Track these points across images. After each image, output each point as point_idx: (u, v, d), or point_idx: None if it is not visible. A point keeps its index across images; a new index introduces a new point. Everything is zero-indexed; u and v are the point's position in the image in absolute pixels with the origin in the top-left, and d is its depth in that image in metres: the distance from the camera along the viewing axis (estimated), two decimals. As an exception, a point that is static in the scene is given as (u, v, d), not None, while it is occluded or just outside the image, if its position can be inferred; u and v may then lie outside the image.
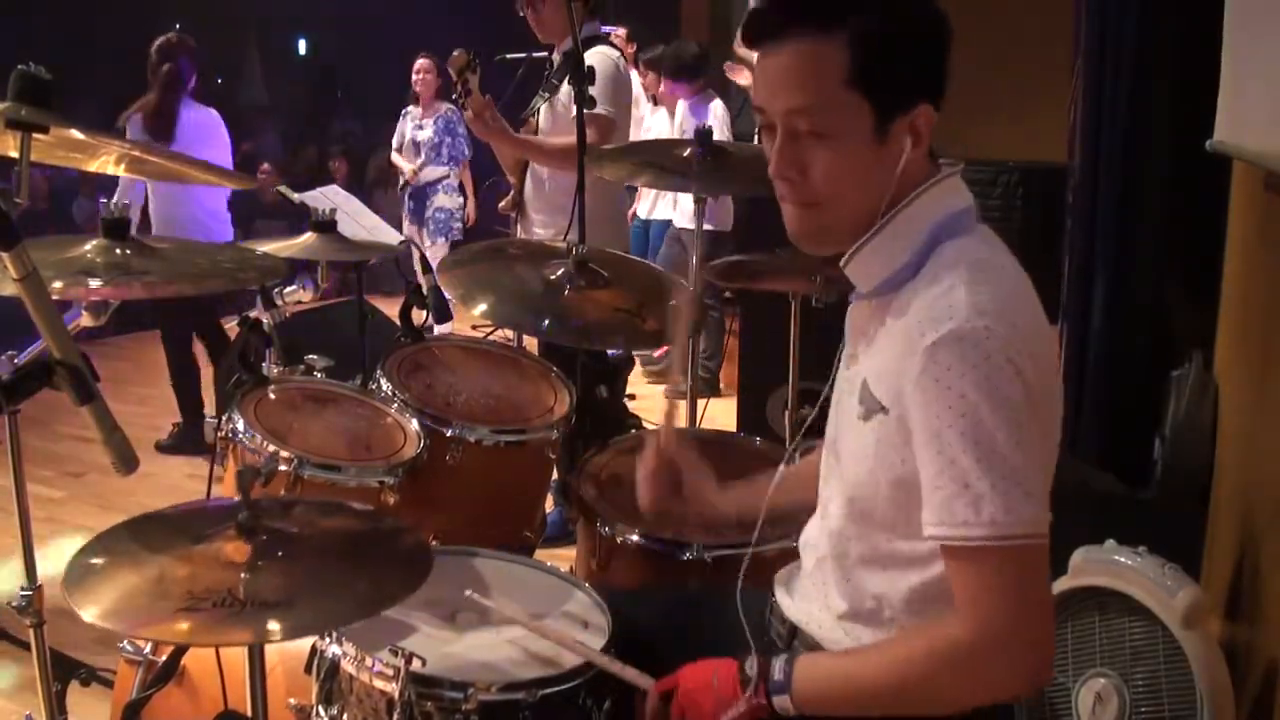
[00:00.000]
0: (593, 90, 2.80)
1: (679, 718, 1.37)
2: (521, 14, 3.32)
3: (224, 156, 4.64)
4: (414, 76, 6.33)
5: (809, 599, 1.45)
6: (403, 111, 6.50)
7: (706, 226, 5.10)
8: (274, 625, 1.28)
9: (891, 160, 1.28)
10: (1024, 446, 1.19)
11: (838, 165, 1.28)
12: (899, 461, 1.27)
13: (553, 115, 3.34)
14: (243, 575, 1.35)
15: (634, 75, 5.55)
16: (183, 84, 4.47)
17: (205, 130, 4.56)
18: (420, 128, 6.37)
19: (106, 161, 1.92)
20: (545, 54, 3.44)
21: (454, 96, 3.25)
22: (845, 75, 1.24)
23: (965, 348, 1.19)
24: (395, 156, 6.54)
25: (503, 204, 3.62)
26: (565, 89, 3.19)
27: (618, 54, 3.42)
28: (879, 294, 1.34)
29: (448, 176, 6.39)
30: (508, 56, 3.68)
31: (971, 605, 1.21)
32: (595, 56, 3.15)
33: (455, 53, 3.22)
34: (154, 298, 1.85)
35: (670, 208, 5.53)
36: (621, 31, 5.47)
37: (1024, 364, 1.19)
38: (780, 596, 1.51)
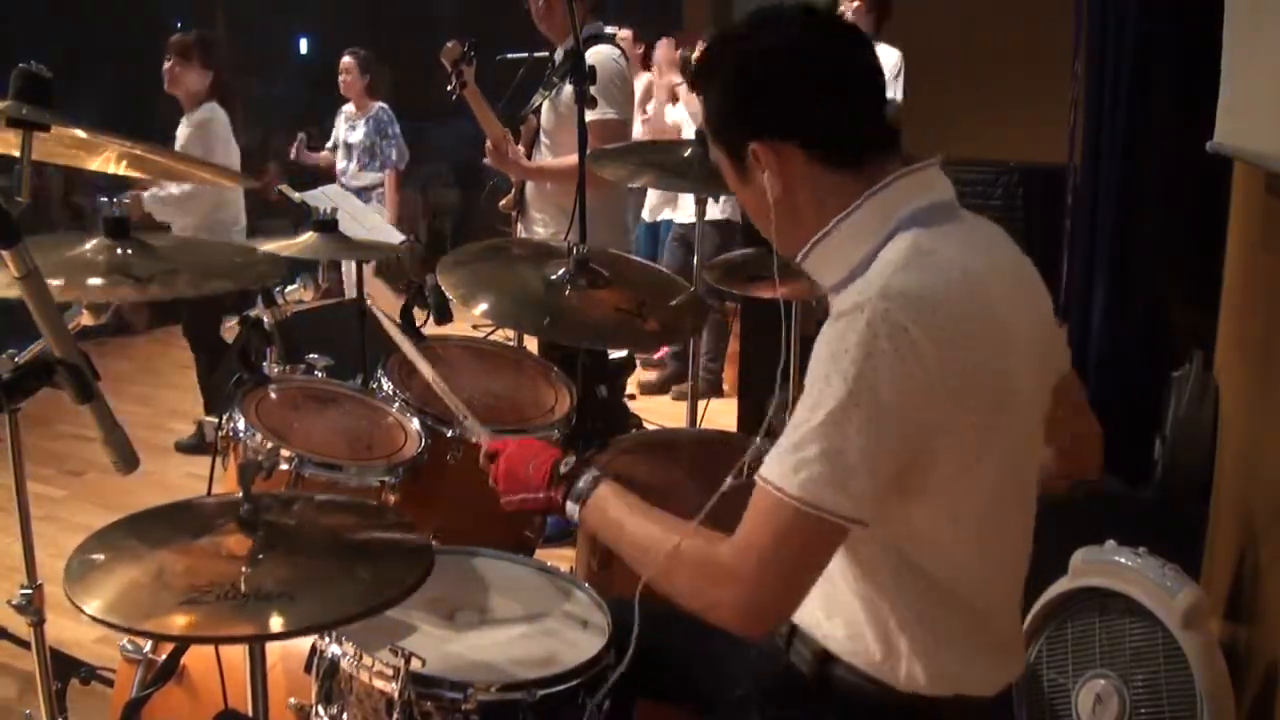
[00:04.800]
0: (594, 90, 2.79)
1: (493, 480, 1.55)
2: (526, 6, 3.31)
3: None
4: (340, 78, 5.84)
5: (808, 600, 1.44)
6: (340, 110, 6.01)
7: (719, 215, 5.11)
8: (276, 617, 1.28)
9: (760, 193, 1.36)
10: (869, 429, 1.19)
11: (737, 195, 1.44)
12: None
13: (555, 114, 3.34)
14: (244, 569, 1.35)
15: (643, 76, 5.53)
16: None
17: None
18: (352, 129, 5.87)
19: (107, 160, 1.92)
20: (546, 54, 3.44)
21: (448, 89, 3.23)
22: (709, 123, 1.42)
23: (856, 321, 1.20)
24: (328, 155, 6.01)
25: (504, 202, 3.62)
26: (567, 88, 3.18)
27: (619, 53, 3.42)
28: (840, 288, 1.34)
29: (380, 185, 5.85)
30: (508, 56, 3.67)
31: (742, 534, 1.27)
32: (596, 56, 3.15)
33: (449, 44, 3.20)
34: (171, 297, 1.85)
35: (675, 210, 5.48)
36: (627, 33, 5.43)
37: (917, 352, 1.19)
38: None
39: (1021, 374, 1.29)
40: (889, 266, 1.26)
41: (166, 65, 4.30)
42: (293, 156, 5.99)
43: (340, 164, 5.84)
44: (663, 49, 5.22)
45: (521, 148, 3.42)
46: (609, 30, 3.60)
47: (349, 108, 5.89)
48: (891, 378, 1.19)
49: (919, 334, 1.19)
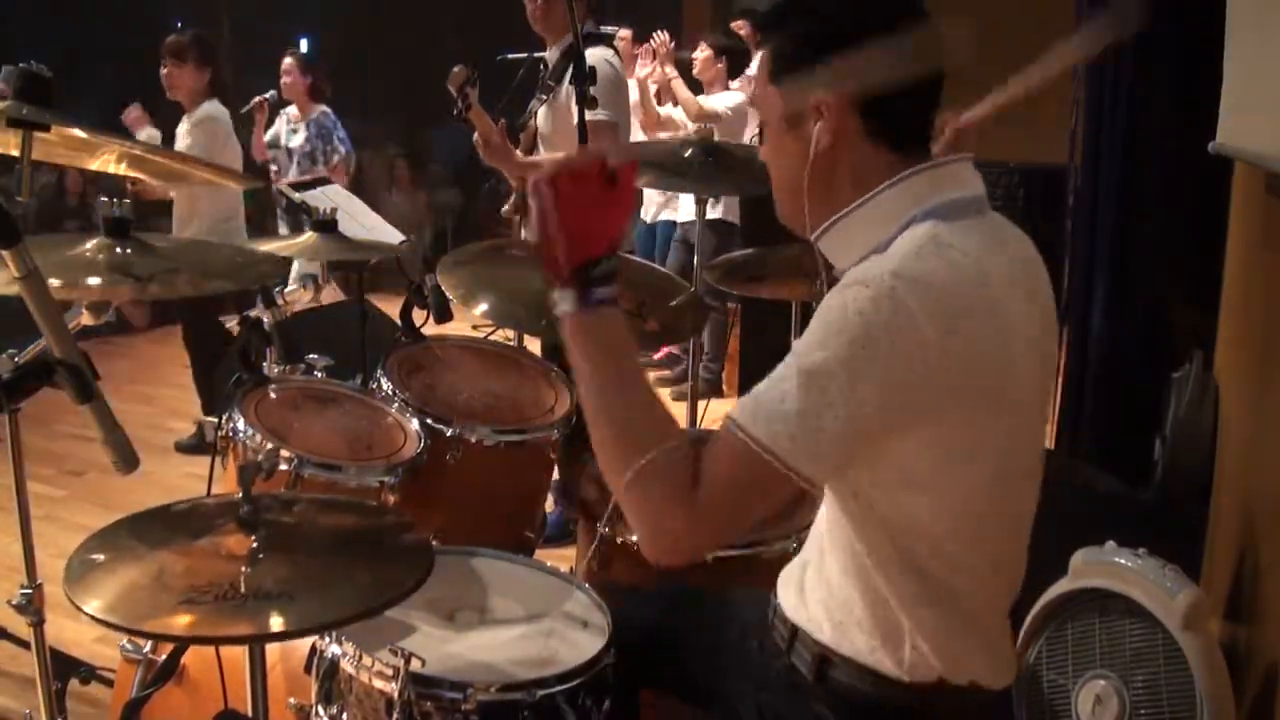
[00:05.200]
0: (593, 91, 2.79)
1: (545, 193, 1.31)
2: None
3: None
4: (282, 80, 5.58)
5: (808, 600, 1.45)
6: (281, 112, 5.75)
7: (719, 215, 5.10)
8: (276, 618, 1.28)
9: (803, 145, 1.34)
10: (850, 397, 1.18)
11: (768, 150, 1.42)
12: None
13: (553, 117, 3.33)
14: (244, 569, 1.35)
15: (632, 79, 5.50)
16: None
17: None
18: (294, 131, 5.64)
19: (107, 160, 1.92)
20: (545, 53, 3.44)
21: (454, 111, 3.24)
22: (767, 73, 1.39)
23: (861, 293, 1.20)
24: (267, 151, 5.69)
25: (505, 208, 3.61)
26: (564, 89, 3.18)
27: (613, 54, 3.41)
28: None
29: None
30: (508, 56, 3.67)
31: (707, 467, 1.23)
32: (591, 58, 3.15)
33: (455, 69, 3.20)
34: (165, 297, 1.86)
35: (674, 211, 5.47)
36: (626, 33, 5.40)
37: (920, 338, 1.18)
38: (783, 597, 1.51)
39: (1022, 374, 1.29)
40: (904, 249, 1.25)
41: (163, 71, 4.27)
42: (254, 103, 5.64)
43: (280, 167, 5.65)
44: (660, 42, 5.20)
45: (520, 152, 3.41)
46: (608, 30, 3.59)
47: (291, 110, 5.72)
48: (887, 354, 1.18)
49: (924, 320, 1.18)
